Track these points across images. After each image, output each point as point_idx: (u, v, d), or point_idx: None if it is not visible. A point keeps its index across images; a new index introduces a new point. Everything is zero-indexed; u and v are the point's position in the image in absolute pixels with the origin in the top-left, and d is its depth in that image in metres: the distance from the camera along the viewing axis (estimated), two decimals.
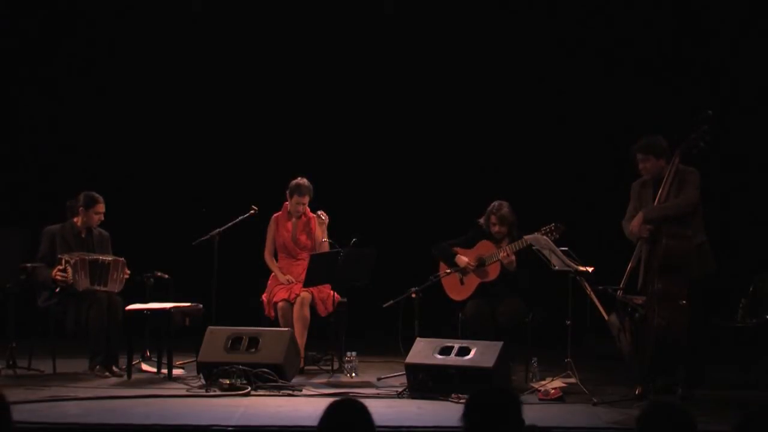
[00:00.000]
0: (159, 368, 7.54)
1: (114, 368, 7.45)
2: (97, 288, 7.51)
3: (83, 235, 7.76)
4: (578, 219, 7.93)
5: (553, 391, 6.73)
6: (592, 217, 8.70)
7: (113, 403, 6.48)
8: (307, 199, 8.04)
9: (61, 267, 7.48)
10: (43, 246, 7.67)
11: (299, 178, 8.06)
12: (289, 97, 9.86)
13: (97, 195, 7.74)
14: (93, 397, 6.62)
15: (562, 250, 6.94)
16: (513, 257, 7.39)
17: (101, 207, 7.73)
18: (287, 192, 8.07)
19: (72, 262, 7.47)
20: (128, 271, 7.70)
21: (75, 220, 7.75)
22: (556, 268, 6.98)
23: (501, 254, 7.42)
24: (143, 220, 9.57)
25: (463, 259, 7.62)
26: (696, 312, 6.55)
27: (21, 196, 9.69)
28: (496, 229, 7.58)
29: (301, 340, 7.65)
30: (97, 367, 7.45)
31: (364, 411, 3.44)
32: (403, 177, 9.78)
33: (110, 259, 7.64)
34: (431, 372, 6.83)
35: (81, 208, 7.70)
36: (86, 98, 9.90)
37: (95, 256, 7.59)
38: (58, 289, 7.51)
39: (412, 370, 6.89)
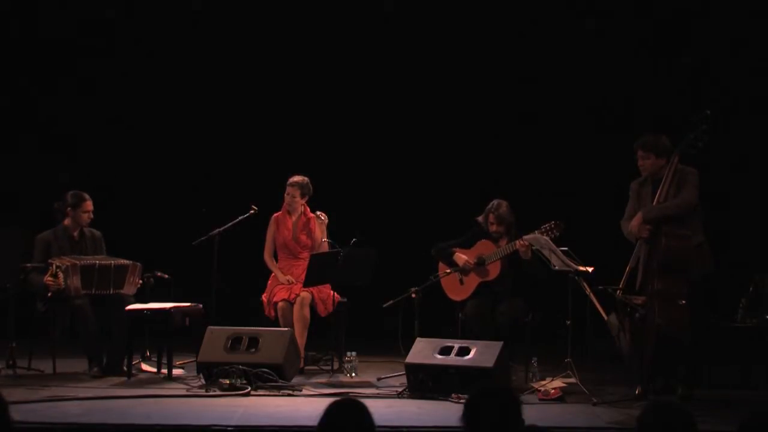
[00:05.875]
0: (159, 368, 7.54)
1: (124, 369, 7.42)
2: (95, 292, 7.49)
3: (76, 238, 7.75)
4: (578, 219, 7.92)
5: (553, 391, 6.73)
6: (592, 217, 8.70)
7: (113, 403, 6.47)
8: (297, 192, 8.04)
9: (52, 272, 7.45)
10: (37, 253, 7.62)
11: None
12: (289, 96, 9.87)
13: (83, 193, 7.71)
14: (93, 397, 6.62)
15: (562, 250, 6.94)
16: (528, 244, 7.34)
17: (89, 204, 7.70)
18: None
19: (63, 267, 7.44)
20: (140, 281, 7.72)
21: (65, 222, 7.73)
22: (556, 268, 6.98)
23: (518, 243, 7.38)
24: (143, 220, 9.57)
25: (461, 257, 7.62)
26: (696, 312, 6.56)
27: (21, 196, 9.68)
28: (494, 228, 7.59)
29: (301, 340, 7.66)
30: (95, 369, 7.42)
31: (364, 411, 3.44)
32: (403, 177, 9.78)
33: (127, 262, 7.62)
34: (431, 372, 6.83)
35: (69, 209, 7.67)
36: (86, 98, 9.90)
37: (90, 261, 7.56)
38: (50, 295, 7.47)
39: (412, 370, 6.89)
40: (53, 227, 7.74)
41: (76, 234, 7.75)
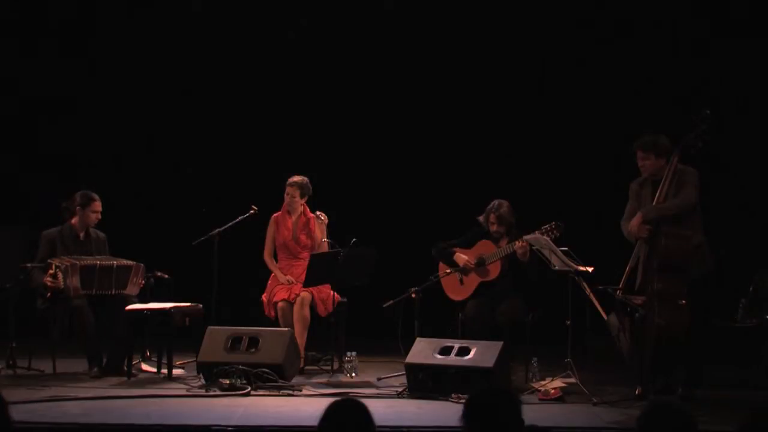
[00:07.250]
0: (159, 368, 7.54)
1: (124, 368, 7.39)
2: (95, 292, 7.49)
3: (82, 238, 7.75)
4: (578, 219, 7.92)
5: (553, 391, 6.73)
6: (592, 217, 8.70)
7: (113, 403, 6.47)
8: (297, 192, 8.05)
9: (51, 271, 7.45)
10: (42, 250, 7.62)
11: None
12: (289, 96, 9.86)
13: (92, 193, 7.72)
14: (93, 397, 6.62)
15: (562, 250, 6.94)
16: (527, 245, 7.34)
17: (98, 205, 7.71)
18: None
19: (63, 267, 7.43)
20: (143, 281, 7.72)
21: (72, 222, 7.73)
22: (556, 268, 6.98)
23: (517, 244, 7.37)
24: (143, 220, 9.57)
25: (462, 257, 7.62)
26: (695, 312, 6.56)
27: (21, 195, 9.67)
28: (494, 228, 7.59)
29: (301, 340, 7.66)
30: (95, 369, 7.41)
31: (364, 411, 3.44)
32: (403, 177, 9.77)
33: (130, 263, 7.63)
34: (431, 372, 6.83)
35: (78, 208, 7.68)
36: (85, 97, 9.89)
37: (91, 261, 7.55)
38: (49, 295, 7.46)
39: (412, 370, 6.89)
40: (60, 225, 7.74)
41: (82, 234, 7.75)
